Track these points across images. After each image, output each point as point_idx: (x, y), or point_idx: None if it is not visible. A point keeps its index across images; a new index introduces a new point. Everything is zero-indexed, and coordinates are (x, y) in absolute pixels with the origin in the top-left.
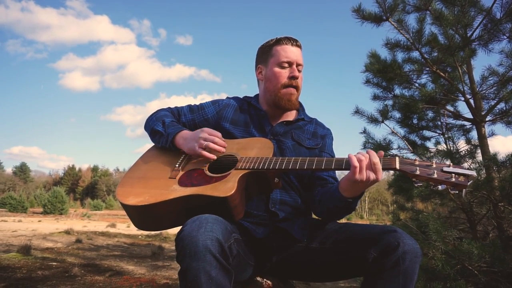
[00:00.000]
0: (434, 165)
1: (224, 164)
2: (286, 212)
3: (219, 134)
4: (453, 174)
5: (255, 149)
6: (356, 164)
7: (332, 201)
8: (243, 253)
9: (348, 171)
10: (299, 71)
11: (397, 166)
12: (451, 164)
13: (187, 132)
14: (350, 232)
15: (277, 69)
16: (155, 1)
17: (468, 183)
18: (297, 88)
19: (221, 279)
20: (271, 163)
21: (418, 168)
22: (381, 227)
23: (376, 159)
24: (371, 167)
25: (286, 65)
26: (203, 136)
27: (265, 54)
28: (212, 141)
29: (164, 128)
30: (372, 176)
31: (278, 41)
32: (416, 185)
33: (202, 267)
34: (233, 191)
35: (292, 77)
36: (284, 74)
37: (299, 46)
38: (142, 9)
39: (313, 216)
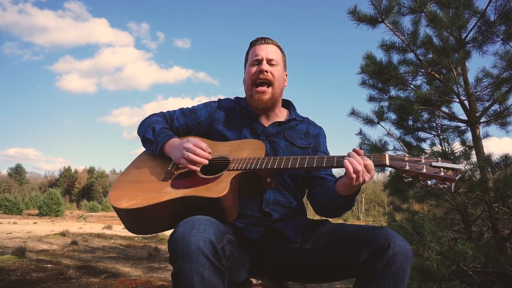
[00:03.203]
0: (423, 161)
1: (216, 166)
2: (280, 212)
3: (204, 145)
4: (442, 169)
5: (247, 151)
6: (353, 175)
7: (331, 201)
8: (237, 254)
9: (340, 169)
10: (271, 65)
11: (387, 162)
12: (439, 159)
13: (175, 140)
14: (343, 233)
15: (249, 69)
16: (154, 5)
17: (457, 177)
18: (269, 83)
19: (214, 280)
20: (263, 163)
21: (407, 163)
22: (372, 228)
23: (367, 161)
24: (365, 169)
25: (256, 62)
26: (186, 147)
27: (245, 61)
28: (193, 152)
29: (154, 136)
30: (367, 176)
31: (250, 44)
32: (406, 180)
33: (195, 268)
34: (225, 192)
35: (260, 71)
36: (253, 70)
37: (269, 43)
38: (141, 12)
39: (308, 216)
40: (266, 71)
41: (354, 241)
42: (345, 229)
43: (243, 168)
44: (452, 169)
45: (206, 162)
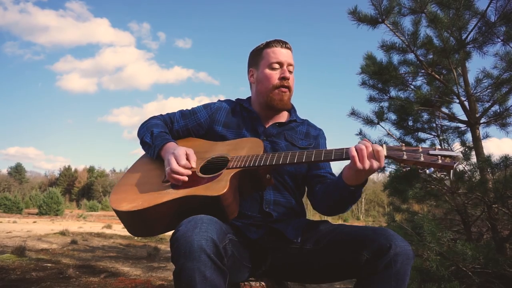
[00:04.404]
0: (421, 149)
1: (216, 165)
2: (280, 212)
3: (183, 162)
4: (439, 156)
5: (246, 149)
6: (354, 153)
7: (337, 191)
8: (238, 254)
9: (341, 161)
10: (290, 72)
11: (385, 153)
12: (437, 147)
13: (169, 145)
14: (343, 233)
15: (267, 71)
16: (155, 5)
17: (455, 165)
18: (289, 88)
19: (216, 279)
20: (262, 159)
21: (405, 153)
22: (373, 228)
23: (378, 147)
24: (374, 155)
25: (277, 66)
26: (168, 159)
27: (256, 58)
28: (171, 169)
29: (151, 140)
30: (375, 164)
31: (268, 44)
32: (404, 169)
33: (197, 267)
34: (225, 190)
35: (283, 78)
36: (275, 75)
37: (289, 48)
38: (142, 12)
39: (308, 217)
40: (289, 78)
41: (355, 241)
42: (345, 230)
43: (242, 165)
44: (450, 156)
45: (186, 178)
